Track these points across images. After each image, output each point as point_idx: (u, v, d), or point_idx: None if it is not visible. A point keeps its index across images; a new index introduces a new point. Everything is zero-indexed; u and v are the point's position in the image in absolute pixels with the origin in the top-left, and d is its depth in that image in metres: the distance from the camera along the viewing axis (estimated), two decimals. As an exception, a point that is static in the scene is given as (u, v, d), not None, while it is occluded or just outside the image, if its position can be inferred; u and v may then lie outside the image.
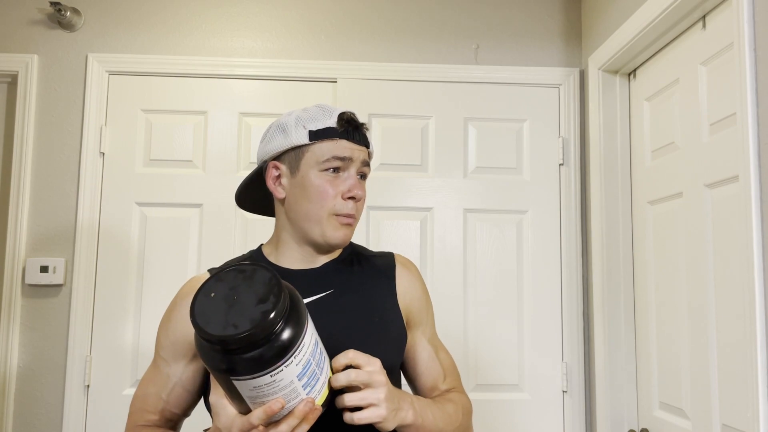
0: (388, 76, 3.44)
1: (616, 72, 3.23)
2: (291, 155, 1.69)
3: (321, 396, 1.31)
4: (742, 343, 2.23)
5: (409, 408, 1.49)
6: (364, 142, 1.72)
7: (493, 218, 3.40)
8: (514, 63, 3.49)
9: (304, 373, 1.25)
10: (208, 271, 1.74)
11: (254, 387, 1.22)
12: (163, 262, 3.31)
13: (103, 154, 3.35)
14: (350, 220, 1.68)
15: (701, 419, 2.50)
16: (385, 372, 1.44)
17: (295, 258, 1.73)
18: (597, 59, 3.25)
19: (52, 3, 3.25)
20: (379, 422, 1.41)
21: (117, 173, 3.35)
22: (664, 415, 2.81)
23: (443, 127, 3.43)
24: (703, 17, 2.56)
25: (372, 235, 3.34)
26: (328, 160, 1.66)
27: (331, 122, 1.69)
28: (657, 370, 2.88)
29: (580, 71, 3.48)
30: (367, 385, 1.40)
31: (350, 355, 1.41)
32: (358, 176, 1.71)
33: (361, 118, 3.38)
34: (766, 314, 1.97)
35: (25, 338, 3.22)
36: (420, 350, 1.80)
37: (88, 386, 3.22)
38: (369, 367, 1.41)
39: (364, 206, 1.77)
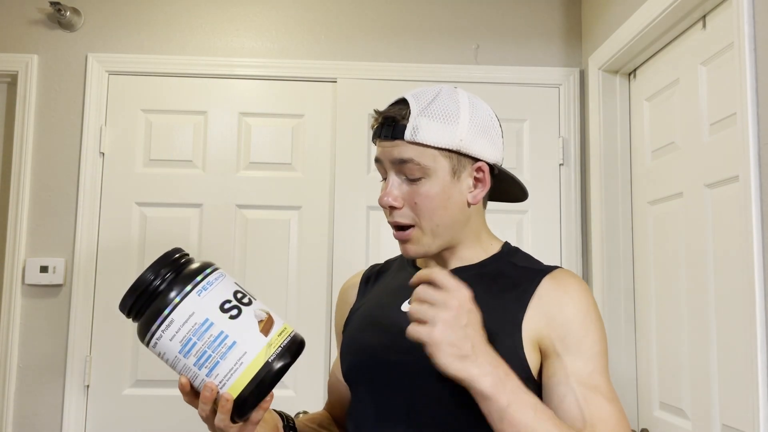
0: (388, 76, 3.44)
1: (616, 72, 3.23)
2: None
3: (231, 385, 1.24)
4: (742, 343, 2.23)
5: (490, 374, 1.20)
6: (396, 134, 1.47)
7: (493, 218, 3.32)
8: (514, 63, 3.49)
9: (188, 351, 1.24)
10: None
11: (164, 360, 1.30)
12: (162, 262, 3.29)
13: (103, 154, 3.35)
14: (400, 234, 1.50)
15: (701, 419, 2.50)
16: (464, 295, 1.22)
17: (426, 258, 1.59)
18: (597, 59, 3.25)
19: (51, 3, 3.25)
20: (427, 347, 1.19)
21: (117, 173, 3.35)
22: (665, 415, 2.81)
23: (443, 127, 3.42)
24: (703, 17, 2.56)
25: (372, 236, 3.34)
26: (375, 164, 1.53)
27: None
28: (657, 370, 2.88)
29: (580, 71, 3.48)
30: (433, 303, 1.21)
31: (431, 273, 1.23)
32: (403, 177, 1.48)
33: (361, 119, 3.37)
34: (767, 314, 1.97)
35: (25, 338, 3.22)
36: (554, 384, 1.38)
37: (87, 386, 3.22)
38: (446, 287, 1.22)
39: (429, 215, 1.46)
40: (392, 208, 1.47)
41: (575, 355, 1.37)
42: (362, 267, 3.23)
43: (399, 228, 1.49)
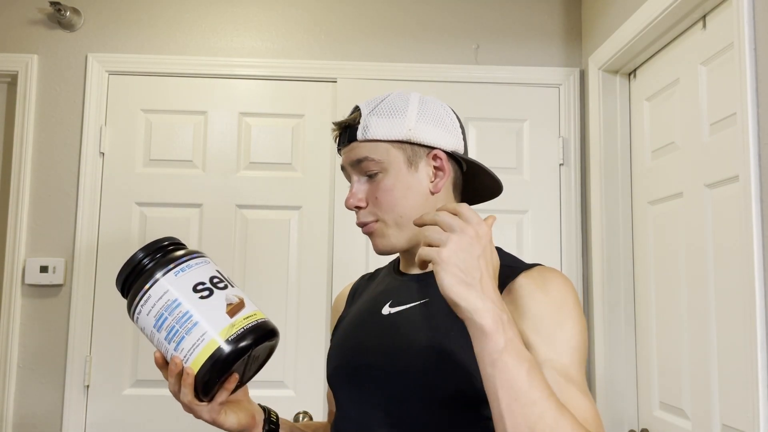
0: (389, 76, 3.44)
1: (616, 72, 3.23)
2: None
3: (192, 361, 1.32)
4: (742, 343, 2.23)
5: (492, 311, 1.13)
6: (350, 138, 1.53)
7: None
8: (514, 63, 3.49)
9: (161, 326, 1.34)
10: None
11: (145, 335, 1.40)
12: (162, 262, 3.29)
13: (103, 154, 3.35)
14: (366, 228, 1.54)
15: (701, 419, 2.50)
16: (483, 230, 1.20)
17: (406, 262, 1.62)
18: (597, 59, 3.25)
19: (51, 3, 3.25)
20: (434, 265, 1.15)
21: (117, 173, 3.35)
22: (665, 415, 2.81)
23: (443, 127, 3.42)
24: (704, 17, 2.56)
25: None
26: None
27: None
28: (657, 370, 2.88)
29: (580, 71, 3.48)
30: (449, 229, 1.17)
31: (457, 206, 1.22)
32: (364, 178, 1.53)
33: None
34: (767, 314, 1.97)
35: (25, 338, 3.22)
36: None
37: (87, 386, 3.22)
38: (466, 218, 1.20)
39: (390, 207, 1.49)
40: (358, 208, 1.53)
41: (548, 346, 1.31)
42: (362, 267, 3.27)
43: (363, 226, 1.54)
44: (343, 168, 1.58)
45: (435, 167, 1.53)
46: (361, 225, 1.54)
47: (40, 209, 3.29)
